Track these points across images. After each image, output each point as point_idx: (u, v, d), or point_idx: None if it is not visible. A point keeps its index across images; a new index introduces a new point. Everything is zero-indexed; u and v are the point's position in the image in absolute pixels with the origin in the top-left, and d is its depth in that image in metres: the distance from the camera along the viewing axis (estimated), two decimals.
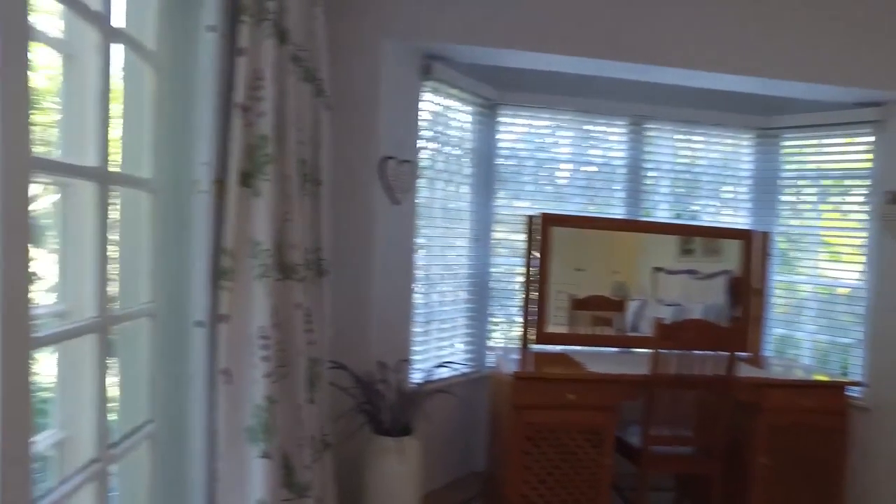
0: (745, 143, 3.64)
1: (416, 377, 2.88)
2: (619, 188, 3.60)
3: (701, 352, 2.67)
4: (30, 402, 1.00)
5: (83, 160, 1.27)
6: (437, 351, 3.21)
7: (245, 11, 1.49)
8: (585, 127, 3.56)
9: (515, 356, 3.03)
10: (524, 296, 3.24)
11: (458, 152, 3.32)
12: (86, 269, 1.28)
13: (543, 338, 3.24)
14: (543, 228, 3.21)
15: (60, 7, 1.24)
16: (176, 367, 1.53)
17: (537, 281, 3.21)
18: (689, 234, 3.44)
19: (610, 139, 3.58)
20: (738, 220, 3.66)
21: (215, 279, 1.47)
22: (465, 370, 3.32)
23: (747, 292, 3.44)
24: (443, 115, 3.17)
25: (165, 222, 1.51)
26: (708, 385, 2.68)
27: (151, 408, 1.52)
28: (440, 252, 3.25)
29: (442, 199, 3.23)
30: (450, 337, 3.32)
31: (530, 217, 3.24)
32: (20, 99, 0.90)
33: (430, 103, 3.06)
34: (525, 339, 3.23)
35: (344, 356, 2.47)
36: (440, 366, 2.83)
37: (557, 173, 3.60)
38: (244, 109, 1.49)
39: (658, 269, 3.48)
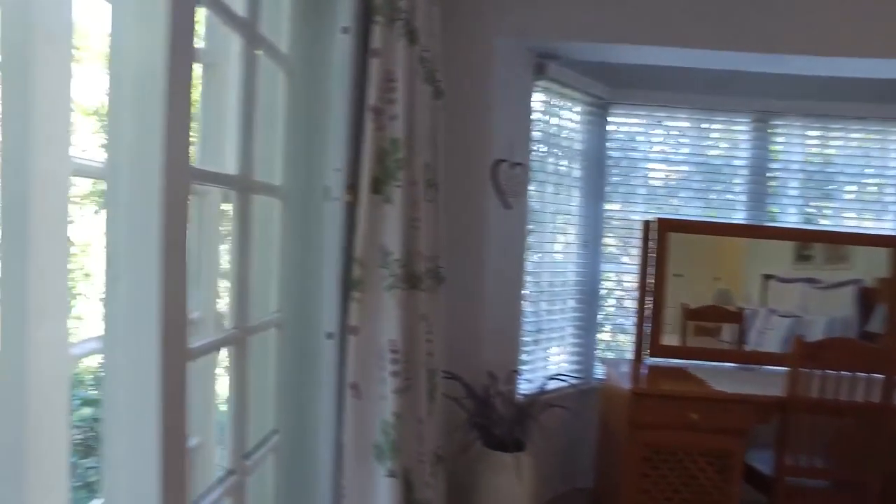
0: (894, 136, 3.24)
1: (524, 388, 2.76)
2: (740, 190, 3.31)
3: (849, 374, 2.37)
4: (186, 410, 0.98)
5: (221, 168, 1.26)
6: (544, 361, 3.07)
7: (378, 11, 1.44)
8: (703, 125, 3.30)
9: (628, 369, 2.85)
10: (638, 305, 3.04)
11: (568, 154, 3.17)
12: (214, 278, 1.26)
13: (658, 350, 3.03)
14: (660, 234, 3.00)
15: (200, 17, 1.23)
16: (302, 379, 1.50)
17: (652, 290, 3.00)
18: (830, 242, 3.09)
19: (731, 138, 3.30)
20: (884, 224, 3.26)
21: (345, 290, 1.43)
22: (574, 382, 3.16)
23: None
24: (553, 115, 3.03)
25: (294, 230, 1.48)
26: (859, 412, 2.37)
27: (277, 419, 1.49)
28: (548, 258, 3.11)
29: (550, 203, 3.09)
30: (557, 347, 3.18)
31: (647, 222, 3.04)
32: (183, 115, 0.88)
33: (541, 103, 2.93)
34: (639, 352, 3.02)
35: (453, 366, 2.39)
36: (553, 378, 2.69)
37: (672, 175, 3.36)
38: (376, 113, 1.43)
39: (769, 277, 3.16)
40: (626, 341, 3.30)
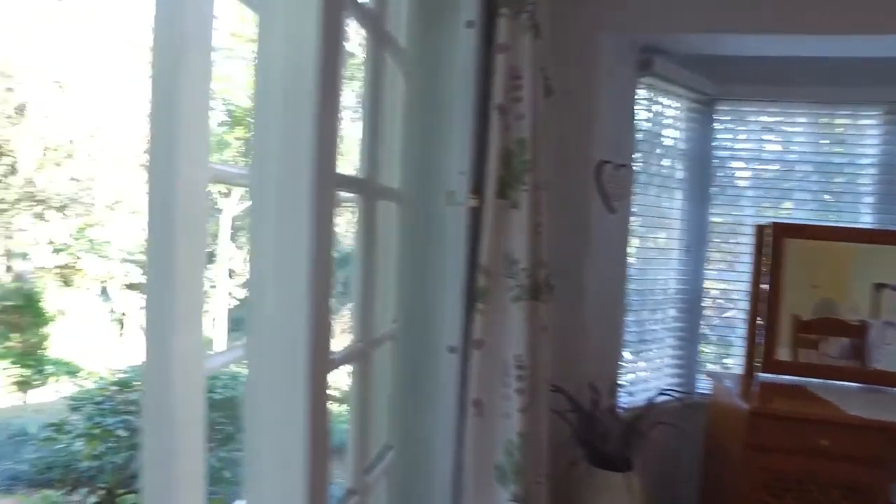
0: None
1: (625, 402, 2.60)
2: (866, 191, 3.00)
3: None
4: (328, 420, 0.95)
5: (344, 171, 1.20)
6: (645, 373, 2.89)
7: (504, 3, 1.34)
8: (822, 121, 3.02)
9: (738, 385, 2.63)
10: (749, 316, 2.80)
11: (670, 154, 2.98)
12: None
13: (772, 366, 2.78)
14: (775, 240, 2.75)
15: None
16: (417, 394, 1.43)
17: (766, 300, 2.76)
18: None
19: (857, 133, 3.00)
20: None
21: (469, 300, 1.34)
22: (678, 396, 2.96)
23: None
24: (656, 113, 2.85)
25: (412, 236, 1.41)
26: None
27: (390, 435, 1.43)
28: (649, 265, 2.93)
29: (652, 206, 2.91)
30: (658, 358, 2.99)
31: (760, 227, 2.80)
32: (332, 122, 0.83)
33: (644, 101, 2.76)
34: (750, 366, 2.79)
35: (553, 378, 2.27)
36: (662, 393, 2.51)
37: (785, 176, 3.09)
38: (502, 112, 1.34)
39: (881, 286, 2.82)
40: (732, 354, 3.07)
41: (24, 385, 8.87)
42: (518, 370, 1.32)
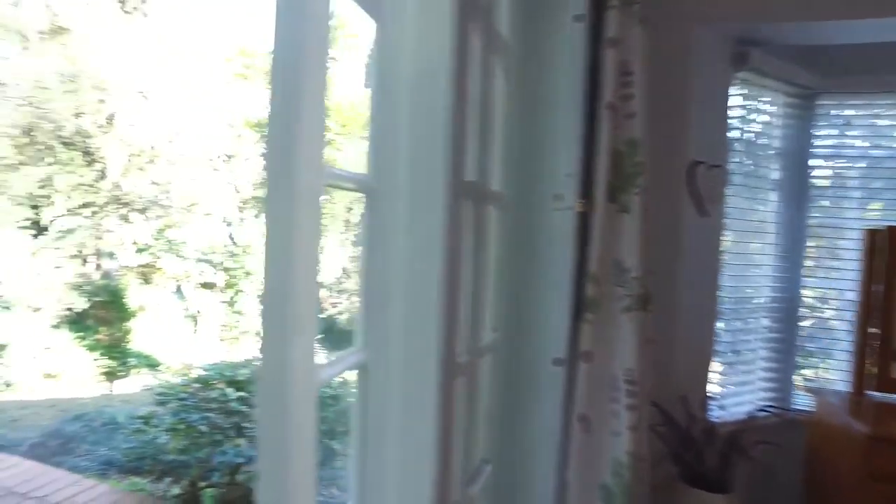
0: None
1: (717, 416, 2.45)
2: None
3: None
4: (454, 425, 0.91)
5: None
6: (738, 387, 2.72)
7: None
8: None
9: (846, 403, 2.42)
10: (859, 328, 2.58)
11: (765, 153, 2.79)
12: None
13: (886, 384, 2.55)
14: (891, 245, 2.52)
15: None
16: (516, 407, 1.37)
17: (879, 310, 2.53)
18: None
19: None
20: None
21: (577, 310, 1.27)
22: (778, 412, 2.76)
23: None
24: (751, 110, 2.68)
25: (513, 242, 1.35)
26: None
27: (486, 449, 1.37)
28: (742, 271, 2.75)
29: (746, 208, 2.73)
30: (750, 371, 2.80)
31: (871, 231, 2.58)
32: (463, 128, 0.79)
33: (739, 97, 2.60)
34: (860, 384, 2.57)
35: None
36: (763, 410, 2.35)
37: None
38: (612, 110, 1.26)
39: None
40: (832, 368, 2.84)
41: (110, 375, 9.47)
42: (628, 385, 1.24)
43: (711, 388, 2.51)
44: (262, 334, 0.82)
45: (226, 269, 10.74)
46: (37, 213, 9.83)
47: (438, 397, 0.78)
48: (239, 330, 10.77)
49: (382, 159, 0.81)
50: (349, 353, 0.90)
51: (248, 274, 10.62)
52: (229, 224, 10.88)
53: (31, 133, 9.35)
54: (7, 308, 8.59)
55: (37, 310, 9.28)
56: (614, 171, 1.26)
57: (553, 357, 1.27)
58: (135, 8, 10.45)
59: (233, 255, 10.77)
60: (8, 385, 8.40)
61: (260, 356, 0.83)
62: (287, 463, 0.77)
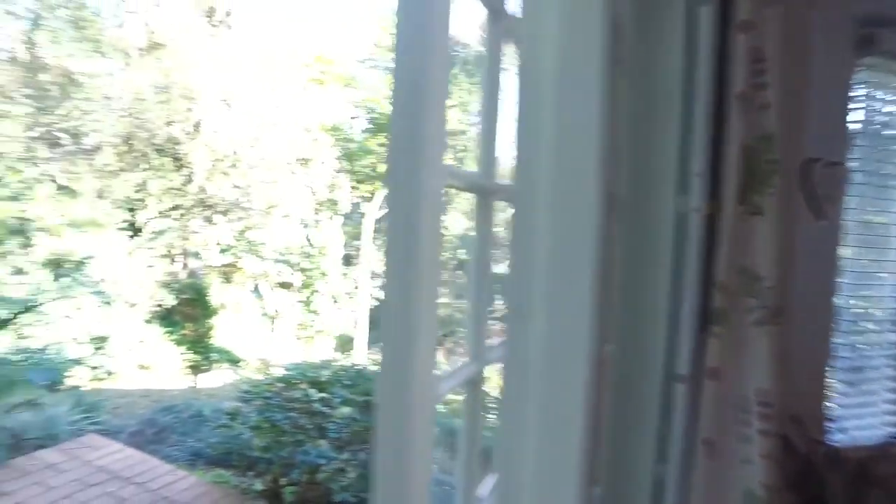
0: None
1: (836, 441, 2.21)
2: None
3: None
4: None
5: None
6: (860, 409, 2.46)
7: None
8: None
9: None
10: None
11: (893, 148, 2.52)
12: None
13: None
14: None
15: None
16: (626, 426, 1.26)
17: None
18: None
19: None
20: None
21: (701, 322, 1.15)
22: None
23: None
24: (876, 100, 2.43)
25: (624, 248, 1.25)
26: None
27: (597, 469, 1.27)
28: (863, 279, 2.50)
29: (868, 210, 2.47)
30: (873, 392, 2.54)
31: None
32: (609, 140, 0.73)
33: (862, 86, 2.35)
34: None
35: None
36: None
37: None
38: (743, 101, 1.14)
39: None
40: None
41: (195, 369, 10.01)
42: (763, 407, 1.11)
43: (829, 409, 2.28)
44: (382, 342, 0.80)
45: (302, 270, 11.09)
46: (133, 216, 10.56)
47: (584, 403, 0.74)
48: (314, 329, 11.08)
49: (527, 165, 0.77)
50: (464, 367, 0.84)
51: (323, 274, 10.92)
52: (306, 226, 11.23)
53: (130, 141, 10.06)
54: (108, 303, 9.27)
55: (133, 305, 9.95)
56: (746, 169, 1.14)
57: (675, 373, 1.15)
58: (220, 21, 11.01)
59: (309, 255, 11.11)
60: (109, 374, 9.07)
61: (379, 363, 0.80)
62: (405, 475, 0.77)
